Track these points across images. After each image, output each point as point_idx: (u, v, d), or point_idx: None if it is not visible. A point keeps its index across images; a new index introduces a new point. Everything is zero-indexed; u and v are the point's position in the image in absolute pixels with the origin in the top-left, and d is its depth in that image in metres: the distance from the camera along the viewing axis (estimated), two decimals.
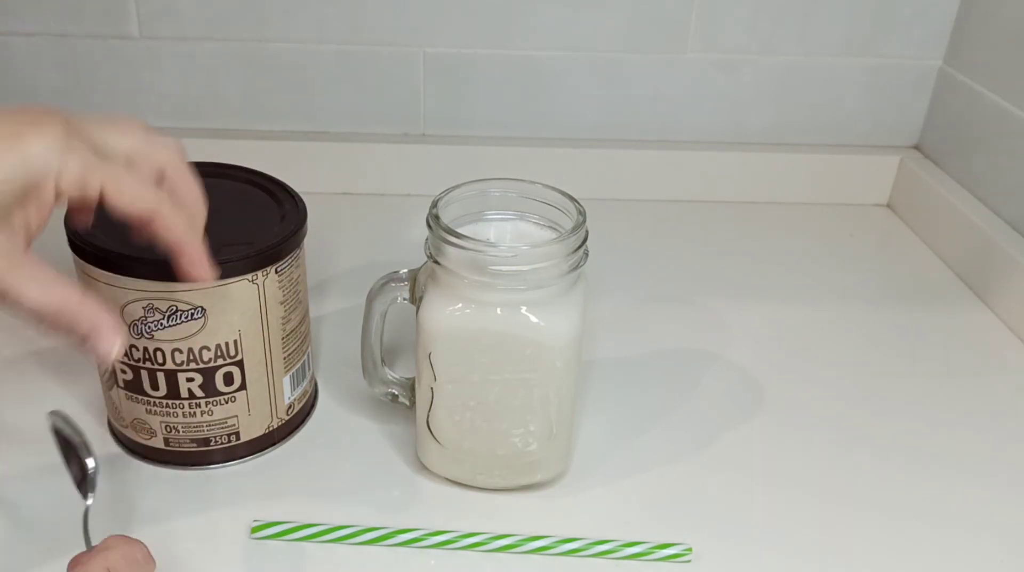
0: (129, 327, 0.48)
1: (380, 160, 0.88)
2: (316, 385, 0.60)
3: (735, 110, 0.90)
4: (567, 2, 0.83)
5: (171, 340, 0.48)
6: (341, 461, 0.55)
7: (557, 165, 0.87)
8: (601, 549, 0.48)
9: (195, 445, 0.52)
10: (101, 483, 0.46)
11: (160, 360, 0.49)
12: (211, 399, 0.51)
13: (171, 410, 0.51)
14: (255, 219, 0.51)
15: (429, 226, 0.47)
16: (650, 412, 0.60)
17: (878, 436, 0.59)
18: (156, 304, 0.47)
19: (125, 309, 0.47)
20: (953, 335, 0.71)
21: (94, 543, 0.41)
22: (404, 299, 0.51)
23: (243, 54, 0.84)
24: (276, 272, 0.50)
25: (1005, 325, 0.72)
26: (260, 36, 0.84)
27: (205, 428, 0.52)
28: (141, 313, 0.47)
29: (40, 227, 0.38)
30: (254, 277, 0.49)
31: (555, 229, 0.50)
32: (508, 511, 0.51)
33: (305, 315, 0.54)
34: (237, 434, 0.53)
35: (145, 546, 0.42)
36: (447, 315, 0.47)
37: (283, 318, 0.51)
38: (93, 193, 0.38)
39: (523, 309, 0.47)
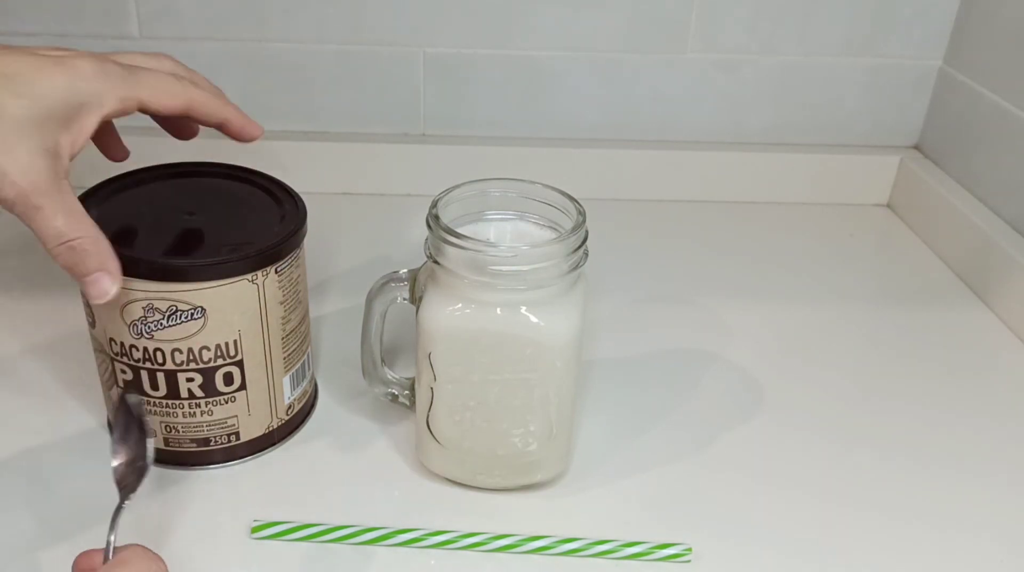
0: (129, 327, 0.48)
1: (380, 160, 0.87)
2: (316, 385, 0.60)
3: (735, 110, 0.90)
4: (567, 2, 0.83)
5: (171, 340, 0.48)
6: (341, 461, 0.55)
7: (557, 165, 0.87)
8: (601, 549, 0.48)
9: (195, 445, 0.52)
10: (101, 483, 0.46)
11: (160, 360, 0.49)
12: (211, 399, 0.51)
13: (171, 410, 0.51)
14: (255, 219, 0.51)
15: (429, 226, 0.47)
16: (650, 412, 0.60)
17: (878, 436, 0.59)
18: (156, 304, 0.47)
19: (125, 309, 0.47)
20: (953, 335, 0.71)
21: (116, 544, 0.39)
22: (404, 299, 0.51)
23: (243, 54, 0.84)
24: (276, 272, 0.50)
25: (1005, 325, 0.72)
26: (260, 36, 0.84)
27: (205, 428, 0.52)
28: (141, 313, 0.47)
29: (75, 154, 0.42)
30: (254, 277, 0.49)
31: (555, 229, 0.50)
32: (508, 511, 0.51)
33: (305, 315, 0.54)
34: (237, 434, 0.53)
35: (164, 563, 0.39)
36: (447, 315, 0.47)
37: (283, 318, 0.51)
38: (133, 105, 0.43)
39: (523, 309, 0.47)
